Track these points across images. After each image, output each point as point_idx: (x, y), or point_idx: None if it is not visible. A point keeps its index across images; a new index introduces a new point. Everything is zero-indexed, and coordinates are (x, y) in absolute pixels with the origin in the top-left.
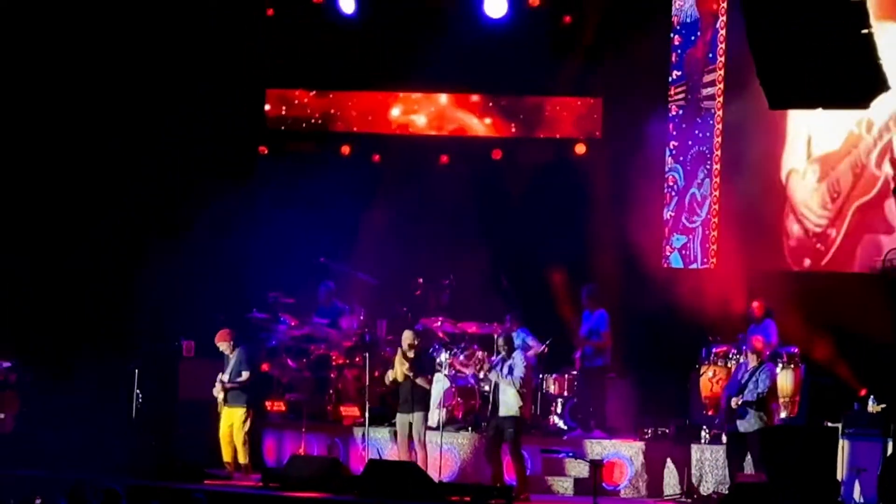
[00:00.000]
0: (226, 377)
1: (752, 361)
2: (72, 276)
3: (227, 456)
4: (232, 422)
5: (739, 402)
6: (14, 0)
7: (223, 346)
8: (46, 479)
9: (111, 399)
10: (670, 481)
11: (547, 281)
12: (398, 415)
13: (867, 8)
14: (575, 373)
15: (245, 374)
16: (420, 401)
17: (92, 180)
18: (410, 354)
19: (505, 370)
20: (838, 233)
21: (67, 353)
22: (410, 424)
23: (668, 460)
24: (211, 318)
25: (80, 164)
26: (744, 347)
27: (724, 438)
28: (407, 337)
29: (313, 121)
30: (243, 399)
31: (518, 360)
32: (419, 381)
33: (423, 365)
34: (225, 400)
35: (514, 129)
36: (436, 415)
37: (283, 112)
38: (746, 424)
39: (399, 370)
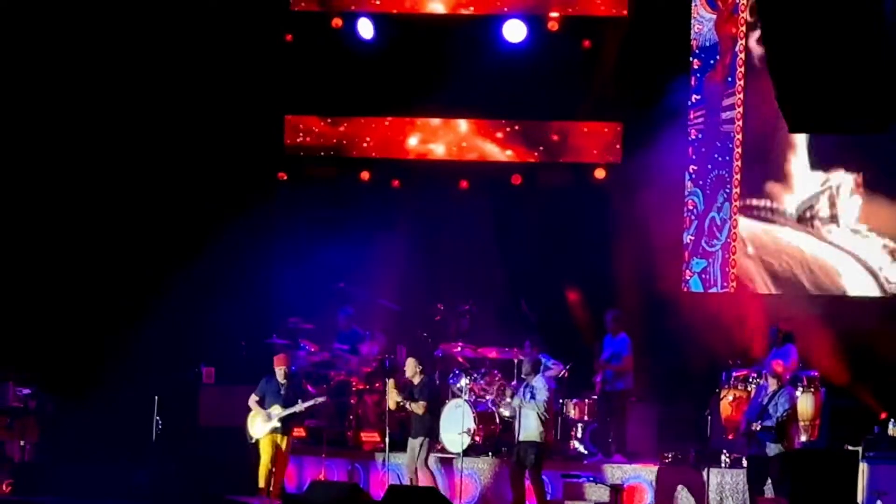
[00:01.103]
0: (300, 406)
1: (772, 385)
2: (91, 303)
3: (263, 482)
4: (279, 448)
5: (759, 427)
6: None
7: (282, 370)
8: None
9: (131, 426)
10: None
11: (566, 305)
12: (409, 439)
13: (889, 32)
14: (595, 397)
15: (303, 403)
16: (423, 426)
17: (111, 206)
18: (415, 381)
19: (527, 394)
20: None
21: (87, 380)
22: (414, 447)
23: (689, 484)
24: (230, 344)
25: (101, 191)
26: (764, 371)
27: (744, 462)
28: (409, 365)
29: (332, 146)
30: (292, 426)
31: (540, 384)
32: (412, 406)
33: (424, 392)
34: (283, 427)
35: (533, 155)
36: (458, 440)
37: (302, 138)
38: (767, 448)
39: (391, 398)
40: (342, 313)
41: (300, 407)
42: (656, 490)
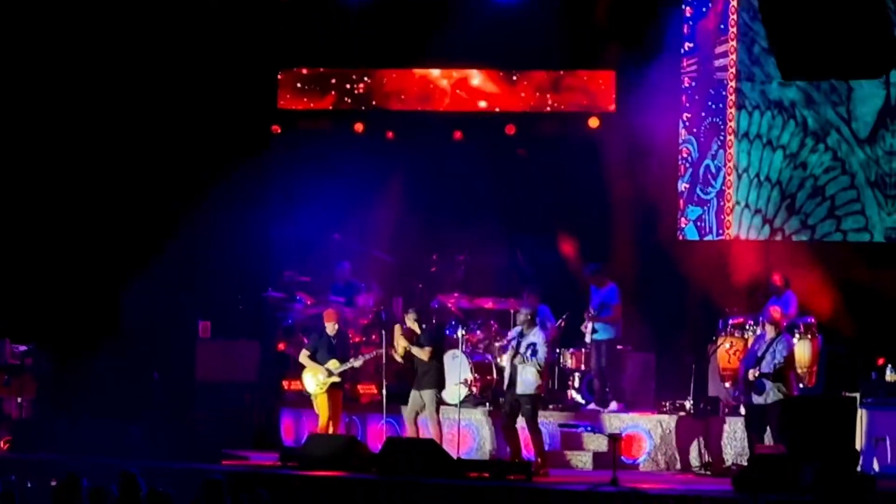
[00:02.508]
0: (359, 360)
1: (770, 332)
2: (87, 260)
3: None
4: (333, 403)
5: (757, 375)
6: None
7: (333, 325)
8: (64, 462)
9: (128, 382)
10: (689, 454)
11: (561, 254)
12: (412, 390)
13: None
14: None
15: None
16: (430, 378)
17: (107, 162)
18: (416, 329)
19: (528, 351)
20: None
21: (83, 336)
22: (420, 398)
23: (687, 433)
24: (227, 298)
25: (97, 146)
26: (761, 319)
27: (742, 410)
28: (409, 319)
29: (326, 99)
30: (345, 379)
31: (540, 339)
32: (415, 351)
33: (424, 339)
34: (341, 382)
35: (527, 104)
36: (455, 391)
37: (296, 91)
38: (765, 396)
39: (399, 344)
40: (338, 266)
41: (359, 361)
42: (654, 439)
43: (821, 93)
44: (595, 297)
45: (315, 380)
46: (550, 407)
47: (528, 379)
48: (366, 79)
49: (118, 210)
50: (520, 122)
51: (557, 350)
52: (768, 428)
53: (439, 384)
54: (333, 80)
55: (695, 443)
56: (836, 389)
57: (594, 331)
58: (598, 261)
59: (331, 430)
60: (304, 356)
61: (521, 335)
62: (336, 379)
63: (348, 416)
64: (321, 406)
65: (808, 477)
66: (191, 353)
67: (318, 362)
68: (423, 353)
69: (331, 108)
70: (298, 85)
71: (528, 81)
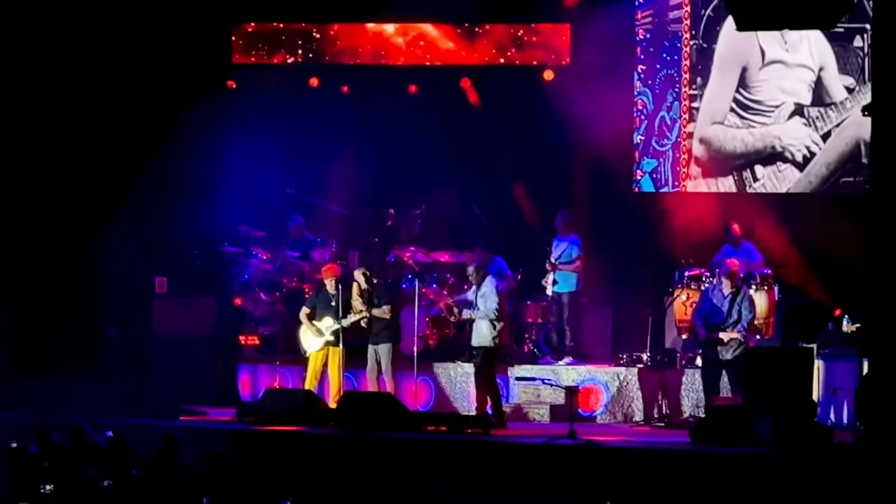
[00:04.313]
0: (354, 318)
1: (727, 287)
2: (43, 217)
3: None
4: (328, 361)
5: (734, 337)
6: None
7: (332, 281)
8: (21, 420)
9: (85, 338)
10: (646, 406)
11: (517, 207)
12: (368, 345)
13: None
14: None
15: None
16: (386, 333)
17: (63, 117)
18: (365, 286)
19: (476, 304)
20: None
21: (40, 293)
22: (376, 354)
23: (644, 385)
24: (182, 254)
25: (53, 104)
26: (718, 270)
27: (699, 362)
28: (358, 277)
29: (281, 53)
30: (340, 338)
31: (489, 288)
32: (375, 312)
33: (379, 296)
34: (336, 339)
35: (481, 57)
36: (410, 345)
37: (251, 46)
38: (727, 352)
39: (356, 307)
40: (291, 221)
41: (355, 319)
42: (611, 391)
43: None
44: (557, 247)
45: (310, 338)
46: (508, 360)
47: (481, 331)
48: (321, 33)
49: (75, 166)
50: (475, 76)
51: (515, 303)
52: (727, 379)
53: (394, 339)
54: (288, 35)
55: (652, 395)
56: (792, 341)
57: (555, 282)
58: (562, 209)
59: (313, 386)
60: (302, 314)
61: (475, 291)
62: (330, 338)
63: (304, 370)
64: (311, 363)
65: (765, 428)
66: (147, 309)
67: (316, 320)
68: (381, 314)
69: (285, 62)
70: (253, 40)
71: (483, 35)
